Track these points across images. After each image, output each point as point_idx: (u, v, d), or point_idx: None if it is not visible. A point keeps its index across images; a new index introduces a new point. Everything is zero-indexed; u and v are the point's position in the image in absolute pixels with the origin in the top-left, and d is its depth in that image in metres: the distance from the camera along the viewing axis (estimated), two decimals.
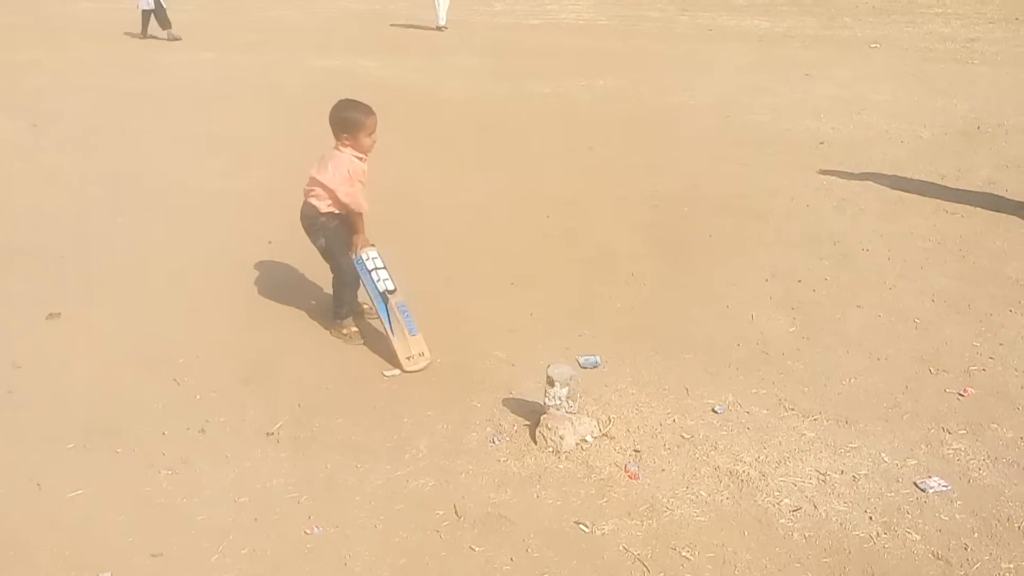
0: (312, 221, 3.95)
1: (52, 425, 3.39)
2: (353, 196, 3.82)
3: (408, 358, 3.81)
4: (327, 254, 4.04)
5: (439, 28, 15.33)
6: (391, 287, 3.92)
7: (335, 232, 3.96)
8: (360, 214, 3.89)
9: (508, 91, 10.21)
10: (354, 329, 4.11)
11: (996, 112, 8.73)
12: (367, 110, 3.78)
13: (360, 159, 3.82)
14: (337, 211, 3.89)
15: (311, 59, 12.15)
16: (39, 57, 12.25)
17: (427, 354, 3.86)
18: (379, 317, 3.93)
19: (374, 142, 3.84)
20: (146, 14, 13.90)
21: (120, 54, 12.90)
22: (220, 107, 9.33)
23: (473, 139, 8.01)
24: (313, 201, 3.89)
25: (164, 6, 13.86)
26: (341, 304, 4.13)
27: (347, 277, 4.05)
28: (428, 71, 11.50)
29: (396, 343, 3.84)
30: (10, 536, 2.79)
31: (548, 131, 8.30)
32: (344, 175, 3.78)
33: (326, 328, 4.18)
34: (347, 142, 3.78)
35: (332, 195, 3.82)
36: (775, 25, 16.19)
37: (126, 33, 14.35)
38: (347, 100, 3.82)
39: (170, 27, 13.87)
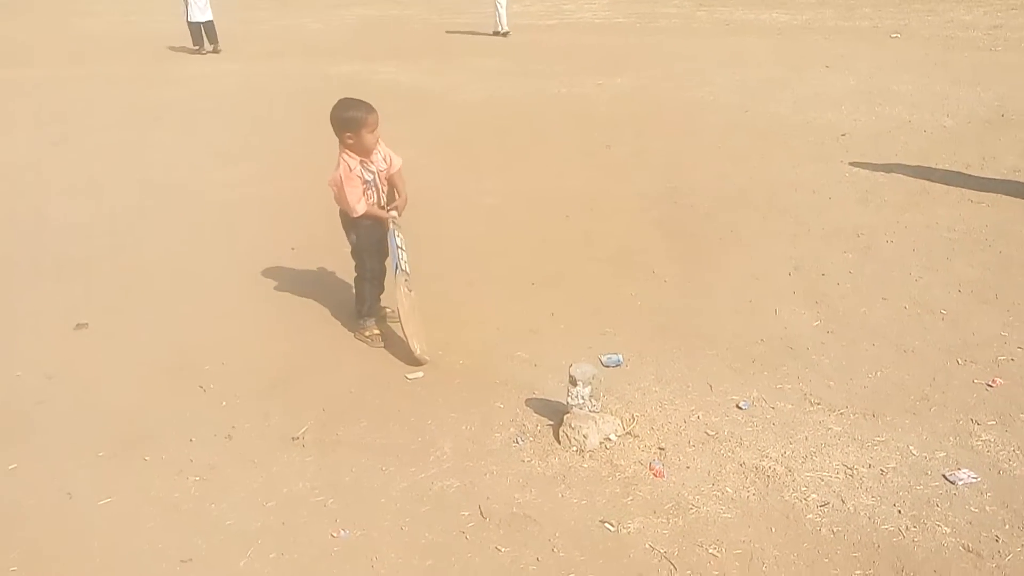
0: (345, 218, 4.01)
1: (82, 434, 3.44)
2: (344, 201, 3.85)
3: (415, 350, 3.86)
4: (355, 250, 4.08)
5: (501, 34, 15.05)
6: (407, 269, 4.01)
7: (367, 230, 3.99)
8: (367, 214, 3.90)
9: (525, 92, 10.22)
10: (376, 332, 4.13)
11: (1020, 100, 8.60)
12: (367, 107, 3.77)
13: (354, 160, 3.82)
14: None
15: (329, 66, 12.24)
16: (63, 71, 12.43)
17: (420, 349, 3.86)
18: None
19: (376, 139, 3.83)
20: (195, 25, 13.93)
21: (143, 67, 13.06)
22: (242, 116, 9.42)
23: (491, 140, 8.03)
24: (339, 203, 3.96)
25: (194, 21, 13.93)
26: (362, 302, 4.16)
27: (368, 274, 4.10)
28: (444, 74, 11.54)
29: (407, 328, 3.92)
30: (42, 544, 2.83)
31: (566, 130, 8.30)
32: (337, 181, 3.84)
33: (350, 331, 4.20)
34: (350, 140, 3.78)
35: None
36: (794, 18, 16.08)
37: (171, 48, 14.48)
38: (346, 99, 3.82)
39: (215, 42, 14.10)
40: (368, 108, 3.77)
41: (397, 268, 3.99)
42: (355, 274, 4.17)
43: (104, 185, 6.85)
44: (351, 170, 3.83)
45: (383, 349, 4.08)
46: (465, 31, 15.47)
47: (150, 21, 18.89)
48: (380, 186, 3.98)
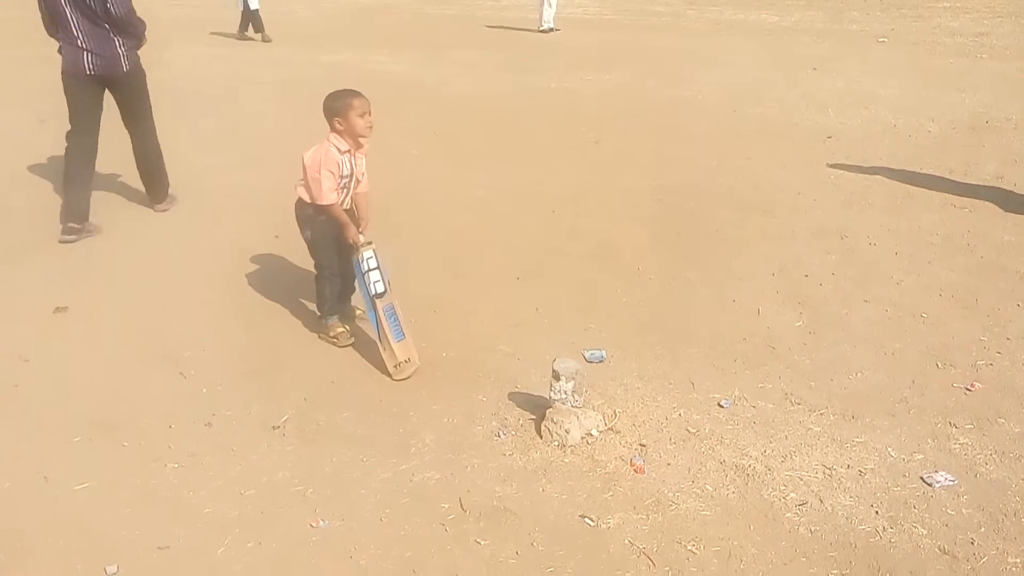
0: (301, 211, 3.88)
1: (59, 418, 3.40)
2: (316, 183, 3.71)
3: (396, 366, 3.70)
4: (311, 247, 3.96)
5: (547, 31, 14.63)
6: (380, 290, 3.78)
7: (323, 226, 3.85)
8: (332, 208, 3.75)
9: (514, 86, 10.20)
10: (340, 330, 4.02)
11: (1004, 106, 8.69)
12: (355, 92, 3.72)
13: (343, 145, 3.71)
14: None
15: (319, 54, 12.17)
16: (46, 52, 12.28)
17: (415, 359, 3.75)
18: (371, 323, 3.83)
19: (370, 125, 3.73)
20: (247, 14, 13.63)
21: None
22: (229, 102, 9.34)
23: (479, 133, 8.01)
24: (300, 191, 3.83)
25: (253, 8, 13.66)
26: (323, 301, 4.04)
27: (325, 272, 3.98)
28: (435, 66, 11.50)
29: (383, 351, 3.74)
30: (17, 528, 2.80)
31: (554, 125, 8.29)
32: (316, 160, 3.70)
33: (314, 332, 4.11)
34: (340, 126, 3.70)
35: (305, 178, 3.78)
36: (783, 19, 16.15)
37: (212, 33, 14.28)
38: (336, 89, 3.77)
39: (248, 29, 13.80)
40: (355, 93, 3.72)
41: (368, 296, 3.78)
42: (315, 272, 4.03)
43: None
44: (338, 153, 3.71)
45: (348, 347, 3.98)
46: (457, 22, 15.42)
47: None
48: (351, 190, 3.86)
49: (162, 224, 5.57)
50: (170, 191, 5.84)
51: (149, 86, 5.59)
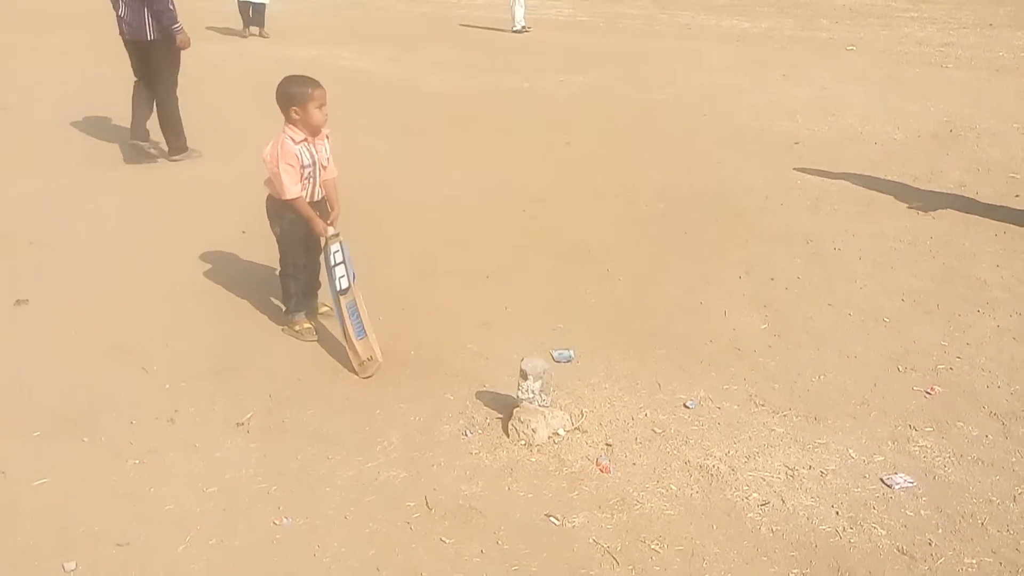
0: (272, 206, 3.83)
1: (18, 412, 3.34)
2: (277, 178, 3.65)
3: (360, 364, 3.68)
4: (279, 242, 3.92)
5: (519, 30, 14.63)
6: (343, 286, 3.73)
7: (292, 223, 3.80)
8: (296, 202, 3.69)
9: (487, 85, 10.20)
10: (307, 325, 4.00)
11: (968, 116, 8.84)
12: (314, 82, 3.62)
13: (297, 135, 3.64)
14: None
15: (287, 49, 12.07)
16: (10, 40, 12.05)
17: (377, 357, 3.73)
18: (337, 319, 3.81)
19: (326, 116, 3.66)
20: (244, 6, 13.30)
21: (93, 41, 12.69)
22: (194, 96, 9.21)
23: (450, 132, 7.99)
24: (269, 187, 3.78)
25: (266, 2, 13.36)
26: (288, 297, 4.02)
27: (290, 269, 3.96)
28: (406, 63, 11.46)
29: (349, 349, 3.72)
30: None
31: (526, 126, 8.30)
32: (274, 156, 3.63)
33: (279, 326, 4.09)
34: (297, 116, 3.60)
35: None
36: (754, 25, 16.30)
37: (208, 27, 14.05)
38: (292, 76, 3.68)
39: (262, 25, 13.51)
40: (314, 83, 3.63)
41: (335, 290, 3.73)
42: (279, 268, 4.01)
43: (50, 158, 6.66)
44: (294, 144, 3.63)
45: (314, 342, 3.97)
46: (429, 20, 15.36)
47: None
48: (318, 178, 3.76)
49: (125, 217, 5.49)
50: (187, 151, 6.85)
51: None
